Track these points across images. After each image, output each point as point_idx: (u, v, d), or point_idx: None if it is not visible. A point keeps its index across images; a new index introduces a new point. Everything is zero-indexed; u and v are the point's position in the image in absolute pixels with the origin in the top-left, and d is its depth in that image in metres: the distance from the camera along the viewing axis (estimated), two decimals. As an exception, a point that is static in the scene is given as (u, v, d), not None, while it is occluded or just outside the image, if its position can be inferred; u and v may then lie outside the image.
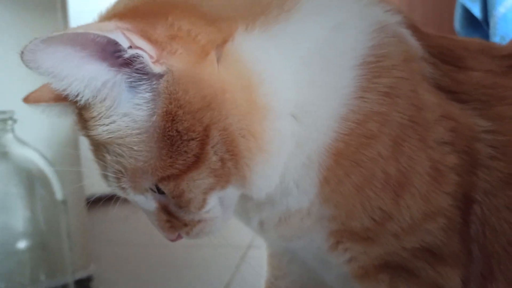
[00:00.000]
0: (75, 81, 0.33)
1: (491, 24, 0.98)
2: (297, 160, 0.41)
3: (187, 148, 0.35)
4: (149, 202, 0.40)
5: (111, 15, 0.37)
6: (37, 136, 0.78)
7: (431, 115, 0.43)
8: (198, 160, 0.36)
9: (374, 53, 0.41)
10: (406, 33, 0.44)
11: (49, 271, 0.72)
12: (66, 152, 0.94)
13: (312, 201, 0.42)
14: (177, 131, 0.35)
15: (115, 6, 0.39)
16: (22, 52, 0.31)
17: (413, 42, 0.44)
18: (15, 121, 0.72)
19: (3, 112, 0.71)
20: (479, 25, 1.03)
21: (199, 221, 0.40)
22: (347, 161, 0.40)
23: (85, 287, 0.80)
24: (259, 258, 0.61)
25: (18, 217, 0.73)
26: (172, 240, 0.42)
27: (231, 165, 0.37)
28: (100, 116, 0.35)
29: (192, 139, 0.35)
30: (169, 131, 0.35)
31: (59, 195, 0.74)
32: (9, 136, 0.72)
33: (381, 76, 0.41)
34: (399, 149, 0.41)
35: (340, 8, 0.43)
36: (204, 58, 0.36)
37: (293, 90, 0.39)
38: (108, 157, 0.37)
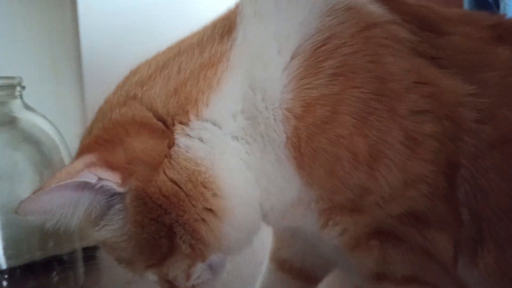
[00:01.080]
0: (63, 214, 0.40)
1: (501, 6, 0.98)
2: (269, 167, 0.44)
3: (160, 243, 0.42)
4: (151, 276, 0.46)
5: (81, 149, 0.43)
6: (44, 103, 0.78)
7: (400, 84, 0.42)
8: (171, 250, 0.43)
9: (315, 40, 0.42)
10: (364, 3, 0.45)
11: (57, 239, 0.73)
12: (73, 120, 0.93)
13: (298, 188, 0.44)
14: (147, 233, 0.42)
15: (85, 136, 0.46)
16: (16, 211, 0.39)
17: (374, 9, 0.44)
18: (23, 87, 0.71)
19: (11, 78, 0.69)
20: (489, 7, 1.03)
21: (193, 286, 0.46)
22: (308, 150, 0.42)
23: (92, 255, 0.81)
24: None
25: (27, 184, 0.73)
26: None
27: (201, 246, 0.43)
28: (90, 226, 0.43)
29: (162, 237, 0.42)
30: (141, 234, 0.42)
31: (67, 161, 0.74)
32: (17, 102, 0.71)
33: (328, 59, 0.42)
34: (366, 123, 0.41)
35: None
36: (157, 170, 0.42)
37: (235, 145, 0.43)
38: (108, 249, 0.45)
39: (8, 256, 0.70)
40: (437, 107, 0.42)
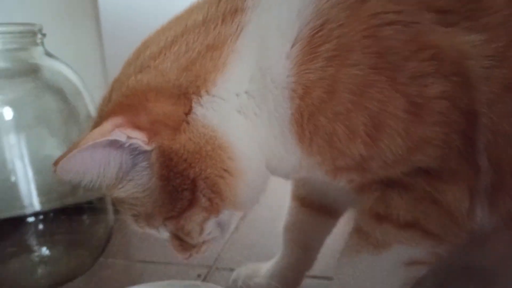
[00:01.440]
0: (96, 174, 0.43)
1: None
2: (272, 140, 0.47)
3: (182, 196, 0.46)
4: (162, 233, 0.50)
5: (106, 113, 0.45)
6: (63, 50, 0.77)
7: (399, 55, 0.43)
8: (191, 203, 0.46)
9: (311, 26, 0.44)
10: None
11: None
12: (93, 66, 0.93)
13: (299, 158, 0.47)
14: (172, 185, 0.45)
15: (104, 104, 0.49)
16: (54, 171, 0.42)
17: None
18: (44, 34, 0.70)
19: (32, 25, 0.68)
20: None
21: (203, 243, 0.50)
22: (309, 126, 0.45)
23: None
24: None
25: (54, 131, 0.75)
26: (185, 259, 0.53)
27: (218, 200, 0.47)
28: (116, 184, 0.46)
29: (184, 190, 0.46)
30: (166, 187, 0.46)
31: (91, 109, 0.75)
32: (39, 50, 0.70)
33: (324, 43, 0.44)
34: (365, 97, 0.43)
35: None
36: (179, 130, 0.45)
37: (245, 118, 0.47)
38: (126, 207, 0.48)
39: (41, 201, 0.73)
40: (441, 67, 0.42)
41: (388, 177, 0.46)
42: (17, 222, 0.75)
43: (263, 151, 0.48)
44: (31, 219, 0.74)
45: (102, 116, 0.47)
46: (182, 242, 0.50)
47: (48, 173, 0.75)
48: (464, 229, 0.46)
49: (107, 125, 0.42)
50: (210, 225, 0.49)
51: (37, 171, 0.73)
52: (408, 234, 0.46)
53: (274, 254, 0.69)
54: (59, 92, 0.73)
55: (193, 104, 0.46)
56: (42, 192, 0.73)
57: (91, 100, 0.76)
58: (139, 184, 0.46)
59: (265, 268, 0.69)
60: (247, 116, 0.47)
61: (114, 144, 0.43)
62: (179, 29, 0.49)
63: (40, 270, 0.74)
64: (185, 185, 0.45)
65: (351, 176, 0.48)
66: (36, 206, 0.74)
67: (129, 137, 0.42)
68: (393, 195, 0.46)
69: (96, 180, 0.44)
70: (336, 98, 0.44)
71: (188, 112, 0.46)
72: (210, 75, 0.46)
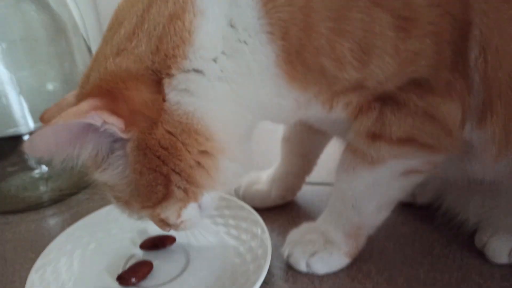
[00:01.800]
0: (69, 154, 0.41)
1: None
2: (262, 93, 0.44)
3: (156, 190, 0.44)
4: (145, 214, 0.48)
5: (84, 94, 0.43)
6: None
7: None
8: (166, 197, 0.44)
9: None
10: None
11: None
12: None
13: (294, 97, 0.45)
14: (145, 180, 0.43)
15: (83, 84, 0.45)
16: (23, 146, 0.39)
17: None
18: None
19: None
20: None
21: (180, 223, 0.48)
22: (297, 63, 0.42)
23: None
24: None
25: (41, 47, 0.72)
26: (168, 231, 0.51)
27: (194, 189, 0.45)
28: (94, 167, 0.44)
29: (158, 185, 0.44)
30: (139, 180, 0.43)
31: (81, 25, 0.71)
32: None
33: None
34: (346, 21, 0.41)
35: None
36: (157, 121, 0.42)
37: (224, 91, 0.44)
38: (107, 188, 0.46)
39: (35, 121, 0.72)
40: None
41: (384, 93, 0.45)
42: (15, 142, 0.75)
43: (253, 111, 0.46)
44: (27, 137, 0.74)
45: (80, 97, 0.44)
46: (165, 221, 0.49)
47: (37, 93, 0.74)
48: (457, 139, 0.45)
49: (84, 106, 0.39)
50: (189, 210, 0.47)
51: (28, 90, 0.71)
52: (402, 149, 0.46)
53: (273, 163, 0.69)
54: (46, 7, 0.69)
55: (166, 90, 0.42)
56: (35, 111, 0.72)
57: (79, 15, 0.72)
58: (116, 172, 0.44)
59: (265, 175, 0.69)
60: (230, 79, 0.44)
61: (90, 127, 0.40)
62: (147, 1, 0.44)
63: (41, 187, 0.74)
64: (158, 180, 0.43)
65: (348, 98, 0.46)
66: (31, 124, 0.73)
67: (105, 122, 0.39)
68: (387, 112, 0.45)
69: (71, 160, 0.41)
70: (314, 33, 0.41)
71: (164, 99, 0.43)
72: (179, 50, 0.42)
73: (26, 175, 0.76)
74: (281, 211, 0.65)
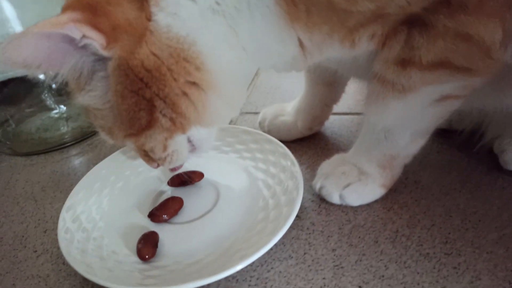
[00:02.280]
0: (48, 67, 0.37)
1: None
2: (259, 34, 0.41)
3: (139, 116, 0.41)
4: (129, 145, 0.45)
5: (64, 7, 0.39)
6: None
7: None
8: (150, 123, 0.41)
9: None
10: None
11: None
12: None
13: (297, 41, 0.42)
14: (127, 104, 0.40)
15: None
16: None
17: None
18: None
19: None
20: None
21: (166, 156, 0.45)
22: (299, 3, 0.39)
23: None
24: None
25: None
26: (155, 168, 0.48)
27: (181, 120, 0.42)
28: (76, 89, 0.41)
29: (141, 110, 0.41)
30: (121, 105, 0.41)
31: None
32: None
33: None
34: None
35: None
36: (141, 42, 0.39)
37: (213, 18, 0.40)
38: (91, 115, 0.44)
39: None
40: None
41: (411, 16, 0.40)
42: (29, 83, 0.73)
43: (252, 55, 0.43)
44: (41, 78, 0.71)
45: (62, 11, 0.39)
46: (148, 153, 0.46)
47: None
48: (496, 59, 0.40)
49: (63, 17, 0.36)
50: (177, 143, 0.44)
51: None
52: (435, 74, 0.42)
53: (297, 96, 0.65)
54: None
55: (153, 9, 0.39)
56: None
57: None
58: (97, 95, 0.41)
59: (290, 106, 0.66)
60: (227, 14, 0.40)
61: (69, 40, 0.36)
62: None
63: (62, 127, 0.73)
64: (141, 105, 0.40)
65: (370, 30, 0.41)
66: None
67: (85, 36, 0.36)
68: (415, 35, 0.40)
69: (48, 75, 0.39)
70: None
71: (149, 18, 0.39)
72: None
73: (45, 116, 0.75)
74: (309, 143, 0.63)
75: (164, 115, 0.41)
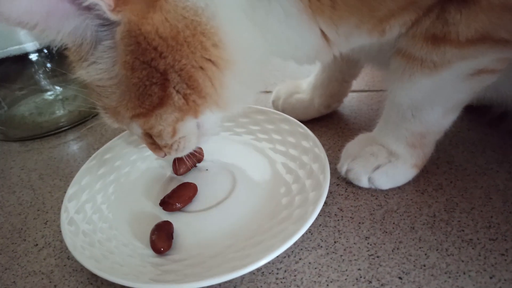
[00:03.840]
0: (45, 28, 0.33)
1: None
2: (276, 25, 0.38)
3: (150, 92, 0.37)
4: (135, 129, 0.42)
5: None
6: None
7: None
8: (162, 101, 0.38)
9: None
10: None
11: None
12: None
13: (320, 35, 0.39)
14: (138, 78, 0.36)
15: None
16: None
17: None
18: None
19: None
20: None
21: (174, 143, 0.42)
22: None
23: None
24: None
25: None
26: (162, 157, 0.45)
27: (195, 98, 0.38)
28: (77, 60, 0.37)
29: (153, 84, 0.37)
30: (131, 78, 0.37)
31: None
32: None
33: None
34: None
35: None
36: (154, 7, 0.35)
37: None
38: (94, 95, 0.40)
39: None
40: None
41: None
42: (22, 62, 0.67)
43: (270, 42, 0.39)
44: (34, 57, 0.66)
45: None
46: (154, 140, 0.43)
47: None
48: None
49: None
50: (187, 127, 0.40)
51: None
52: (472, 50, 0.37)
53: (311, 73, 0.61)
54: None
55: None
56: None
57: None
58: (103, 69, 0.37)
59: (305, 83, 0.62)
60: None
61: (73, 0, 0.32)
62: None
63: (57, 110, 0.68)
64: (153, 78, 0.36)
65: (402, 19, 0.38)
66: (37, 42, 0.64)
67: None
68: (451, 11, 0.36)
69: (47, 36, 0.34)
70: None
71: None
72: None
73: (39, 98, 0.70)
74: (328, 123, 0.59)
75: (178, 91, 0.37)
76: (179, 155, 0.44)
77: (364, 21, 0.38)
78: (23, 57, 0.67)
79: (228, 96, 0.40)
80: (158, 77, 0.36)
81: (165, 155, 0.44)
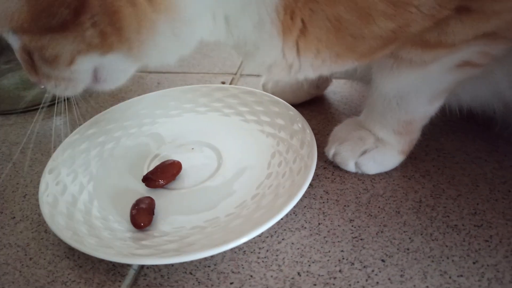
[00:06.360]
0: None
1: None
2: (246, 21, 0.35)
3: (56, 12, 0.30)
4: (12, 39, 0.34)
5: None
6: None
7: None
8: (66, 26, 0.31)
9: None
10: None
11: None
12: None
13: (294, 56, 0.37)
14: None
15: None
16: None
17: None
18: None
19: None
20: None
21: (58, 77, 0.35)
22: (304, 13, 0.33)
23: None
24: None
25: None
26: (35, 82, 0.38)
27: (114, 39, 0.32)
28: None
29: (63, 5, 0.30)
30: None
31: None
32: None
33: None
34: None
35: None
36: None
37: None
38: None
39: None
40: None
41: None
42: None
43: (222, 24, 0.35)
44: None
45: None
46: (32, 60, 0.35)
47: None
48: None
49: None
50: (85, 64, 0.34)
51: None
52: (464, 47, 0.36)
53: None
54: None
55: None
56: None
57: None
58: None
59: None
60: None
61: None
62: None
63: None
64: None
65: (389, 50, 0.36)
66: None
67: None
68: (450, 23, 0.34)
69: None
70: None
71: None
72: None
73: (23, 73, 0.68)
74: (318, 107, 0.58)
75: (93, 25, 0.31)
76: (59, 93, 0.37)
77: (340, 55, 0.36)
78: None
79: (151, 46, 0.34)
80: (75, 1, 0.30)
81: (40, 83, 0.37)
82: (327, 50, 0.36)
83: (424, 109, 0.43)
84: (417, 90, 0.42)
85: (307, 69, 0.38)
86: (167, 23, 0.33)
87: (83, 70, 0.35)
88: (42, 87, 0.38)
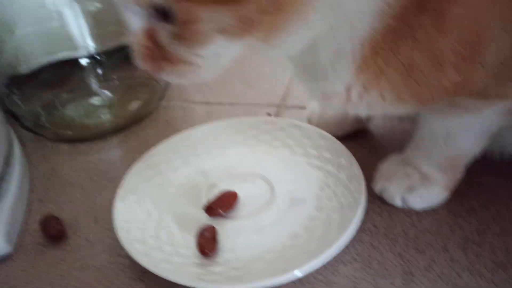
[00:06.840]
0: None
1: None
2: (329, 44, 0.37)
3: None
4: (138, 19, 0.34)
5: None
6: None
7: None
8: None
9: None
10: None
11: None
12: None
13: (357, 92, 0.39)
14: None
15: None
16: None
17: None
18: None
19: None
20: None
21: (185, 62, 0.35)
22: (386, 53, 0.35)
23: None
24: None
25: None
26: (147, 70, 0.36)
27: (267, 19, 0.32)
28: None
29: None
30: None
31: None
32: None
33: None
34: (451, 13, 0.33)
35: None
36: None
37: None
38: None
39: (94, 42, 0.68)
40: None
41: None
42: (72, 66, 0.71)
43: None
44: (85, 62, 0.70)
45: None
46: (155, 48, 0.35)
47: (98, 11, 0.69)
48: None
49: None
50: (217, 46, 0.34)
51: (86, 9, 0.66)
52: None
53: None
54: None
55: None
56: (94, 31, 0.68)
57: None
58: None
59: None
60: None
61: None
62: None
63: (102, 115, 0.72)
64: None
65: (448, 100, 0.38)
66: (90, 47, 0.68)
67: None
68: None
69: None
70: (421, 22, 0.33)
71: None
72: None
73: (85, 102, 0.74)
74: (360, 140, 0.61)
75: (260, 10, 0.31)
76: (173, 80, 0.37)
77: (403, 99, 0.38)
78: (74, 61, 0.71)
79: (286, 39, 0.35)
80: None
81: (154, 71, 0.36)
82: (392, 93, 0.38)
83: (470, 147, 0.46)
84: (465, 131, 0.44)
85: (363, 106, 0.41)
86: (298, 24, 0.34)
87: (214, 54, 0.34)
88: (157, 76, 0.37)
